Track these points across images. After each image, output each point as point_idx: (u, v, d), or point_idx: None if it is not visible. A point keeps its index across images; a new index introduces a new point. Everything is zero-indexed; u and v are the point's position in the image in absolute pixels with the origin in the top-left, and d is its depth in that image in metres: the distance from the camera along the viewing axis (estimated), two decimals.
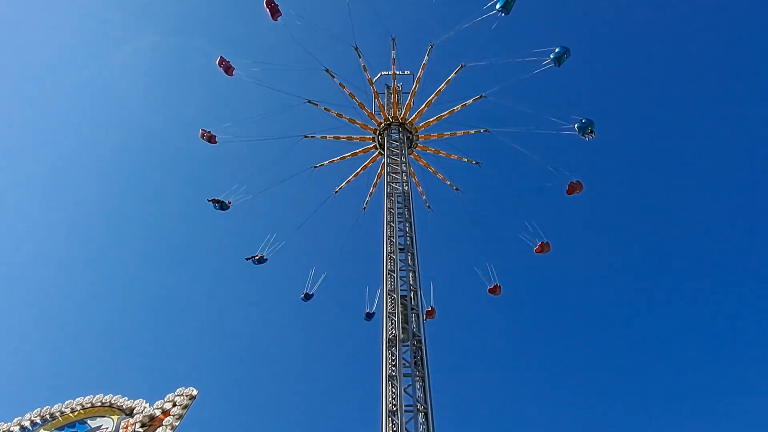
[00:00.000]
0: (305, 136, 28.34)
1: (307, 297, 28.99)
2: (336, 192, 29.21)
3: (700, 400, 47.60)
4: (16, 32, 54.11)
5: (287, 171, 29.26)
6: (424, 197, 29.46)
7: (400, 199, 24.06)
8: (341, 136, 28.46)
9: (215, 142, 27.98)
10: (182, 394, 14.44)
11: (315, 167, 28.85)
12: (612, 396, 49.05)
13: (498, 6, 25.45)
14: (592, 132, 25.51)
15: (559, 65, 25.40)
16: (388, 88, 29.19)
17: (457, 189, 29.01)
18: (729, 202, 51.38)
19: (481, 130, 27.94)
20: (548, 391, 50.51)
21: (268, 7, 26.73)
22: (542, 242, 27.64)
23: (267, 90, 28.29)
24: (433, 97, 27.60)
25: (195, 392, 14.50)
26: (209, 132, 28.04)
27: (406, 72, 28.48)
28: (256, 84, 28.03)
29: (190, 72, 55.26)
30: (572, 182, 26.92)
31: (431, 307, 27.90)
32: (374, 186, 28.83)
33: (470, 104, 27.63)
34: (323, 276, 28.69)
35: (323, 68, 27.25)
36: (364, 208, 29.33)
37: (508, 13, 25.56)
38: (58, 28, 55.09)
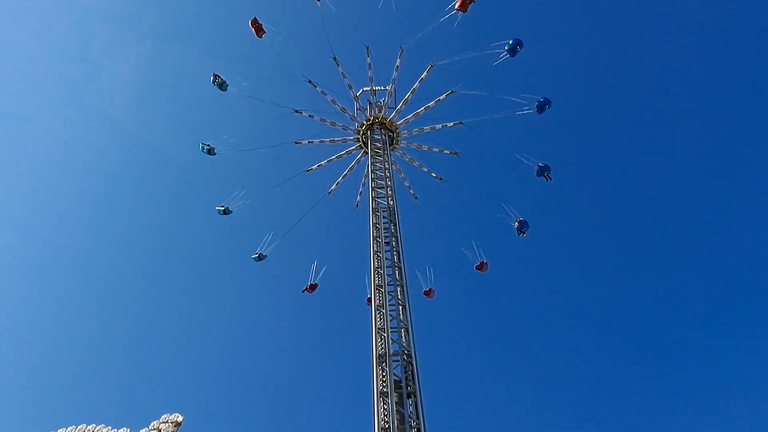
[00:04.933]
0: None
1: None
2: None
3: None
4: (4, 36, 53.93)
5: (281, 176, 31.90)
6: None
7: (385, 215, 24.11)
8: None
9: (262, 33, 29.24)
10: (167, 421, 14.27)
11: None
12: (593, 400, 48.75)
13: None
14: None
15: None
16: (370, 103, 30.99)
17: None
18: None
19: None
20: (537, 405, 50.08)
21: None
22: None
23: (256, 102, 30.88)
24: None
25: (180, 418, 14.32)
26: (258, 23, 29.22)
27: (382, 87, 30.56)
28: (249, 98, 30.53)
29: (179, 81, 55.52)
30: (482, 262, 30.28)
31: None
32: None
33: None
34: (324, 269, 30.80)
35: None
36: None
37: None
38: (46, 32, 54.95)
